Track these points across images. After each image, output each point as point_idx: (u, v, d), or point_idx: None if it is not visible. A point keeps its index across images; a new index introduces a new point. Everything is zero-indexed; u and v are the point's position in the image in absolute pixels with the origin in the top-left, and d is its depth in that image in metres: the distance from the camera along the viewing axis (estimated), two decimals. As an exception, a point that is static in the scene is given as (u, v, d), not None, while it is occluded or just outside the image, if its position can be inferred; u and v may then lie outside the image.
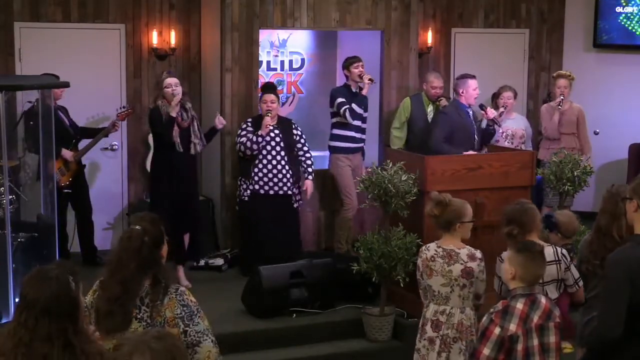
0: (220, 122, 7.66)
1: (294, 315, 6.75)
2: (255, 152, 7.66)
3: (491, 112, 7.75)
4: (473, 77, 7.71)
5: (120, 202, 8.71)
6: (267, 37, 8.84)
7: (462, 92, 7.63)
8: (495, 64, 9.86)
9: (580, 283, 4.96)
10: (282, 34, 8.97)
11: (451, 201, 5.17)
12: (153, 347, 2.61)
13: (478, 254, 5.19)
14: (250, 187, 7.71)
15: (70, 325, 3.01)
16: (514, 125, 8.46)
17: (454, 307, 5.11)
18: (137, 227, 3.72)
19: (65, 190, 7.76)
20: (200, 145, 7.57)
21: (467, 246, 5.21)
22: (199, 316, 3.68)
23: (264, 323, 6.63)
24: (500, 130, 8.31)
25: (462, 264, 5.10)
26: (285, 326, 6.64)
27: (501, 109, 8.31)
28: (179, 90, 7.43)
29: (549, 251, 4.88)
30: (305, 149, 7.89)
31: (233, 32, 8.18)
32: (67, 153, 7.78)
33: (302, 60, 9.23)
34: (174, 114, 7.33)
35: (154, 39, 8.65)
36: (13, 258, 6.56)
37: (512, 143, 8.37)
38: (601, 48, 10.16)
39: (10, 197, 6.77)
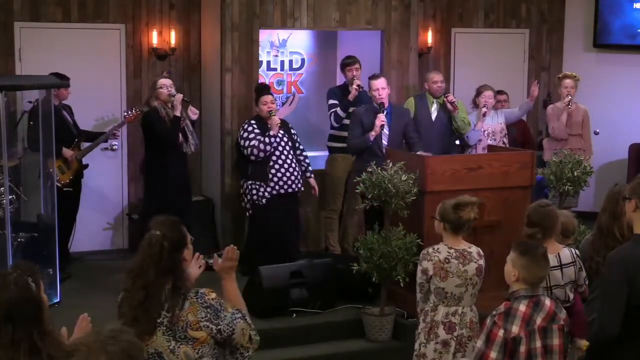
0: (193, 112, 7.61)
1: (294, 315, 6.76)
2: (267, 154, 7.62)
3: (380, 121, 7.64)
4: (375, 76, 7.69)
5: (120, 202, 8.71)
6: (267, 37, 8.83)
7: (369, 93, 7.73)
8: (495, 64, 9.86)
9: (587, 281, 4.96)
10: (282, 34, 8.97)
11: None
12: (109, 349, 2.54)
13: (481, 251, 5.24)
14: (269, 189, 7.63)
15: (34, 328, 2.96)
16: (491, 123, 8.45)
17: (465, 306, 5.11)
18: (157, 232, 3.67)
19: (66, 189, 7.73)
20: (194, 144, 7.60)
21: (472, 244, 5.23)
22: (222, 309, 3.65)
23: (264, 323, 6.62)
24: (483, 129, 8.32)
25: (475, 262, 5.12)
26: (285, 326, 6.64)
27: (483, 109, 8.32)
28: (174, 91, 7.46)
29: (566, 253, 4.87)
30: (302, 147, 7.94)
31: (233, 32, 8.18)
32: (67, 152, 7.74)
33: (302, 60, 9.23)
34: (177, 114, 7.37)
35: (154, 39, 8.65)
36: (13, 258, 6.56)
37: (495, 140, 8.37)
38: (601, 48, 10.17)
39: (10, 197, 6.77)
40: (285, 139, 7.72)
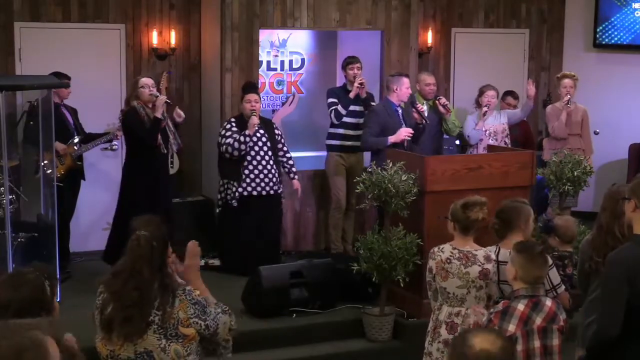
0: (177, 115, 7.47)
1: (294, 315, 6.75)
2: (242, 153, 7.60)
3: (421, 107, 7.78)
4: (407, 75, 7.83)
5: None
6: (267, 37, 8.84)
7: (396, 89, 7.71)
8: (495, 64, 9.87)
9: (560, 289, 4.90)
10: (282, 34, 8.97)
11: None
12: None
13: (493, 255, 5.11)
14: (240, 189, 7.64)
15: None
16: (494, 122, 8.46)
17: (469, 308, 5.08)
18: (144, 232, 3.70)
19: (53, 183, 7.61)
20: (176, 145, 7.48)
21: (482, 247, 5.15)
22: (207, 305, 3.72)
23: (264, 323, 6.63)
24: (484, 129, 8.33)
25: (479, 265, 5.04)
26: (285, 326, 6.64)
27: (484, 109, 8.33)
28: (155, 91, 7.24)
29: None
30: (286, 149, 7.90)
31: (233, 32, 8.18)
32: (58, 145, 7.57)
33: (302, 60, 9.23)
34: (159, 115, 7.13)
35: (154, 39, 8.65)
36: (13, 258, 6.56)
37: (496, 140, 8.39)
38: (601, 48, 10.17)
39: (10, 197, 6.77)
40: (264, 139, 7.68)
